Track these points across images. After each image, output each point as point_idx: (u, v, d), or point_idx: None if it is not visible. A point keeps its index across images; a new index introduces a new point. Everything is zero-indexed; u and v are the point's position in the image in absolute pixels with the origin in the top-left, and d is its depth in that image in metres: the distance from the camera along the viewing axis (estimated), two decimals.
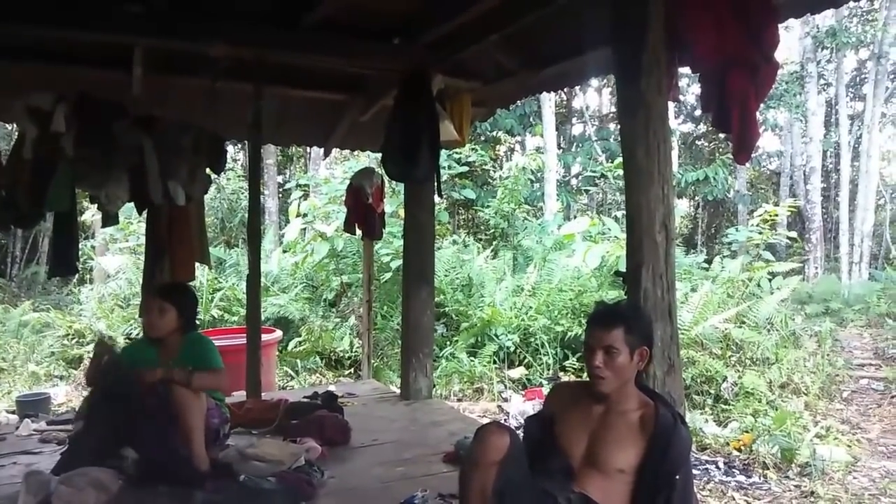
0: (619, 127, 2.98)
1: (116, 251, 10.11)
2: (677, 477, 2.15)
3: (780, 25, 2.81)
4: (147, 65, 4.18)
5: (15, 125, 4.21)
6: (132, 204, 4.16)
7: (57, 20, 3.56)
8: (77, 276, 10.37)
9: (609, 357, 2.20)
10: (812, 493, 4.54)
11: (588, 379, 2.30)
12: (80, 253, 4.20)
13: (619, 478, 2.20)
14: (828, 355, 8.18)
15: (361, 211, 5.69)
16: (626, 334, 2.21)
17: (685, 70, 3.46)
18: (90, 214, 9.57)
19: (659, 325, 2.53)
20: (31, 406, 5.35)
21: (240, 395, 4.66)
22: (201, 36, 3.90)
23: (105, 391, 3.15)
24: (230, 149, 14.47)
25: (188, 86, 4.70)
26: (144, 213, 4.33)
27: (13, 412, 5.90)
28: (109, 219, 4.28)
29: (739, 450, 5.26)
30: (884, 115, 19.29)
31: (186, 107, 4.77)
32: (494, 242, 11.10)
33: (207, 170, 4.31)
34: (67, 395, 6.76)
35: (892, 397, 7.05)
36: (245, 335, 4.75)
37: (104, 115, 3.82)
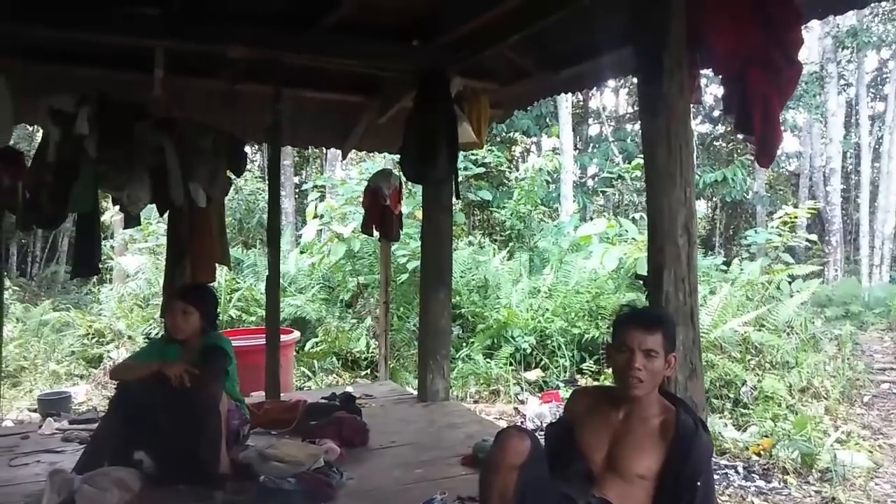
0: (636, 128, 2.96)
1: (136, 251, 10.21)
2: (698, 483, 2.13)
3: (804, 25, 2.78)
4: (167, 66, 4.23)
5: (38, 127, 4.26)
6: (152, 205, 4.20)
7: (78, 22, 3.60)
8: (99, 274, 10.48)
9: (648, 361, 2.16)
10: (833, 499, 4.49)
11: (615, 381, 2.27)
12: (102, 254, 4.25)
13: (639, 483, 2.18)
14: (848, 359, 8.08)
15: (379, 212, 5.71)
16: (664, 339, 2.20)
17: (705, 71, 3.44)
18: (110, 215, 9.67)
19: (681, 329, 2.50)
20: (52, 405, 5.41)
21: (259, 396, 4.69)
22: (220, 38, 3.93)
23: (127, 390, 3.19)
24: (248, 149, 14.56)
25: (207, 88, 4.75)
26: (166, 215, 4.37)
27: (34, 410, 5.98)
28: (131, 220, 4.33)
29: (759, 454, 5.21)
30: None
31: (205, 108, 4.83)
32: (510, 244, 11.08)
33: (228, 172, 4.34)
34: (87, 394, 6.81)
35: None
36: (263, 335, 4.78)
37: (126, 116, 3.87)
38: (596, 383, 6.68)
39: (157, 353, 3.41)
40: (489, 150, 12.41)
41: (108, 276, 11.04)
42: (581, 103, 19.66)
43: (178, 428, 3.05)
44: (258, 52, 4.12)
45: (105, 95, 3.86)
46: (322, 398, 4.57)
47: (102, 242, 10.75)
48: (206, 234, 4.27)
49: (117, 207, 4.47)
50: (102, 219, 10.26)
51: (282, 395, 4.64)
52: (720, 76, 2.85)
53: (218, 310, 3.58)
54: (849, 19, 16.37)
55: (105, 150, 3.68)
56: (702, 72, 3.31)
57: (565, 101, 13.70)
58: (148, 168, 3.83)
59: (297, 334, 6.94)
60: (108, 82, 4.27)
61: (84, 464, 3.08)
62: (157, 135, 3.84)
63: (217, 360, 3.21)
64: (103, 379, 7.18)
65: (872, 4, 3.21)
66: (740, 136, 3.85)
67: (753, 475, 4.90)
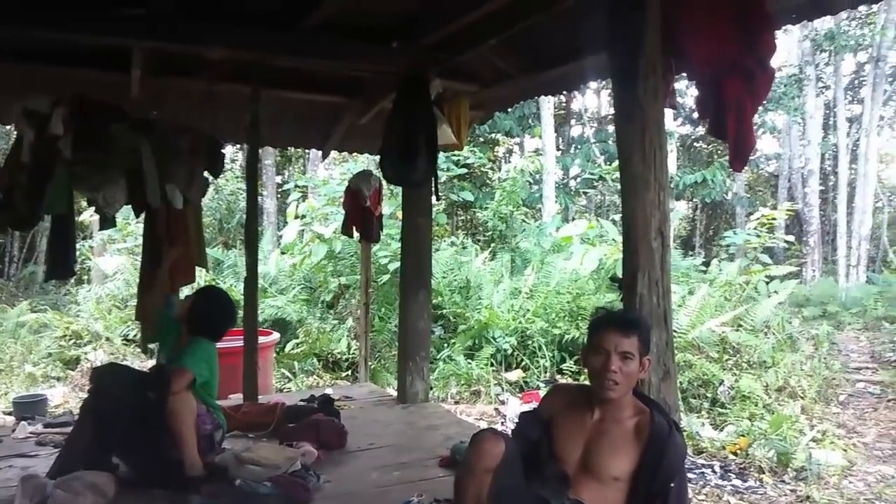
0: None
1: (114, 252, 10.11)
2: (672, 485, 2.15)
3: (777, 30, 2.81)
4: (145, 67, 4.19)
5: (13, 126, 4.20)
6: (128, 206, 4.16)
7: (55, 22, 3.55)
8: (75, 276, 10.36)
9: (624, 363, 2.18)
10: (808, 497, 4.55)
11: (590, 383, 2.28)
12: (77, 255, 4.19)
13: (613, 485, 2.20)
14: (824, 359, 8.19)
15: (359, 214, 5.70)
16: (639, 342, 2.22)
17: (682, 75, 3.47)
18: (88, 215, 9.57)
19: (654, 331, 2.52)
20: (27, 408, 5.34)
21: (237, 398, 4.66)
22: (200, 38, 3.90)
23: (99, 394, 3.16)
24: (229, 149, 14.46)
25: (186, 88, 4.70)
26: (143, 216, 4.33)
27: (9, 413, 5.90)
28: (107, 221, 4.28)
29: (735, 454, 5.27)
30: (882, 117, 19.33)
31: (184, 109, 4.78)
32: (493, 244, 11.10)
33: (205, 173, 4.31)
34: (64, 396, 6.75)
35: (889, 401, 7.07)
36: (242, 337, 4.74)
37: (102, 117, 3.82)
38: (577, 384, 6.72)
39: (174, 326, 3.53)
40: (471, 150, 12.43)
41: (85, 277, 10.93)
42: (563, 104, 19.73)
43: (150, 432, 3.04)
44: (238, 52, 4.09)
45: (81, 96, 3.81)
46: (300, 400, 4.55)
47: (80, 243, 10.69)
48: (183, 236, 4.24)
49: (93, 208, 4.42)
50: (81, 219, 10.18)
51: (260, 397, 4.62)
52: (695, 81, 2.87)
53: (216, 319, 3.53)
54: (826, 23, 16.57)
55: (80, 151, 3.63)
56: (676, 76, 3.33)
57: (548, 103, 13.77)
58: (124, 170, 3.79)
59: (276, 336, 6.91)
60: (84, 82, 4.22)
61: (58, 468, 3.05)
62: (133, 136, 3.80)
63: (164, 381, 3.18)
64: (81, 381, 7.11)
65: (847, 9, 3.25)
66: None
67: (730, 474, 4.96)
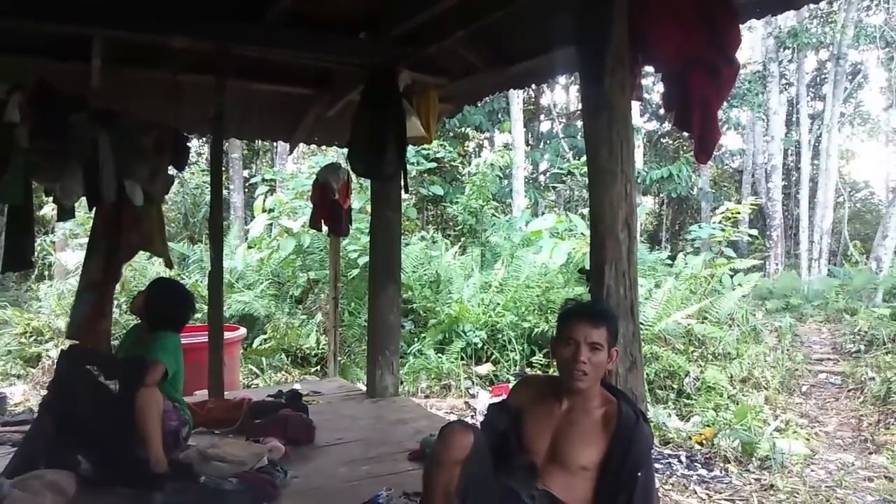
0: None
1: (77, 247, 9.88)
2: (639, 474, 2.16)
3: (741, 26, 2.85)
4: (107, 57, 4.10)
5: None
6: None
7: (14, 10, 3.45)
8: (36, 272, 10.12)
9: (593, 354, 2.19)
10: (772, 486, 4.63)
11: (560, 374, 2.29)
12: (35, 248, 4.08)
13: (582, 475, 2.21)
14: (787, 350, 8.36)
15: (328, 207, 5.64)
16: (608, 333, 2.23)
17: (650, 69, 3.51)
18: (50, 209, 9.34)
19: (622, 322, 2.54)
20: None
21: (203, 395, 4.59)
22: (163, 28, 3.83)
23: (60, 390, 3.08)
24: (195, 143, 14.24)
25: (150, 79, 4.62)
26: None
27: None
28: (65, 212, 4.16)
29: (701, 444, 5.34)
30: (842, 114, 19.77)
31: (148, 100, 4.69)
32: (463, 239, 11.12)
33: (170, 168, 4.21)
34: (25, 394, 6.59)
35: (849, 391, 7.24)
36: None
37: (62, 106, 3.71)
38: (546, 375, 6.76)
39: (132, 332, 3.65)
40: (441, 145, 12.43)
41: (47, 273, 10.67)
42: (533, 100, 19.80)
43: (114, 428, 2.97)
44: (203, 43, 4.02)
45: (41, 83, 3.70)
46: (268, 396, 4.50)
47: (42, 238, 10.43)
48: (144, 231, 4.15)
49: (52, 198, 4.30)
50: (42, 212, 9.94)
51: (227, 393, 4.55)
52: (660, 74, 2.89)
53: (173, 311, 3.46)
54: (789, 21, 16.90)
55: (38, 140, 3.53)
56: (646, 69, 3.36)
57: (517, 98, 13.79)
58: (82, 161, 3.68)
59: (243, 331, 6.82)
60: (45, 71, 4.10)
61: (15, 467, 2.95)
62: (92, 127, 3.70)
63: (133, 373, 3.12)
64: (42, 378, 6.95)
65: (810, 6, 3.31)
66: (685, 134, 3.93)
67: (696, 464, 5.03)
